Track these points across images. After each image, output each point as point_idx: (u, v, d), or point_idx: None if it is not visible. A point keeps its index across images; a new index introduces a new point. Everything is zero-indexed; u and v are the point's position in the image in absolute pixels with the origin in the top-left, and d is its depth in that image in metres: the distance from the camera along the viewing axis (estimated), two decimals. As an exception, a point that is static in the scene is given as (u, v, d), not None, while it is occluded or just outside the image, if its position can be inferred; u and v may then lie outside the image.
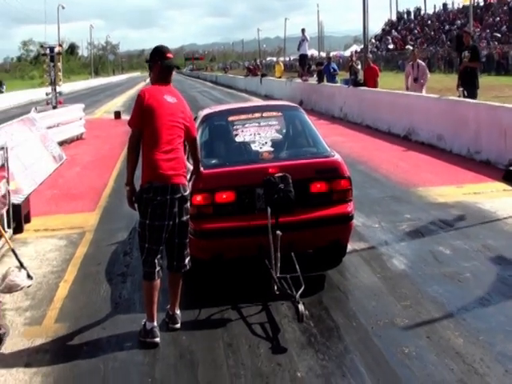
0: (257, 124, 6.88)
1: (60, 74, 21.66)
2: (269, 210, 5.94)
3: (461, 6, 63.54)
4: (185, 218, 5.49)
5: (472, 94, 14.88)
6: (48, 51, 21.19)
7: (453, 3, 70.01)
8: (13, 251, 7.11)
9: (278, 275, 5.74)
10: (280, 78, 37.98)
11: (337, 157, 6.58)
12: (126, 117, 25.85)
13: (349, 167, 6.66)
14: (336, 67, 28.76)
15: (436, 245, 7.56)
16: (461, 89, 15.28)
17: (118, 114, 27.17)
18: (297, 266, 5.97)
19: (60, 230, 9.14)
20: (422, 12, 77.36)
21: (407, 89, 18.42)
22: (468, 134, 13.28)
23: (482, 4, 61.40)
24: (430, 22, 70.32)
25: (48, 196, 11.30)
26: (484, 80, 15.81)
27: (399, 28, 75.86)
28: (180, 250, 5.55)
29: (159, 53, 5.63)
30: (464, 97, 14.99)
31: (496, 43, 48.20)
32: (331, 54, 45.66)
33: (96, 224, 9.45)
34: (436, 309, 5.76)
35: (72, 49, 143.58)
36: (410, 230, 8.25)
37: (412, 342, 5.11)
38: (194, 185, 6.10)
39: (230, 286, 6.52)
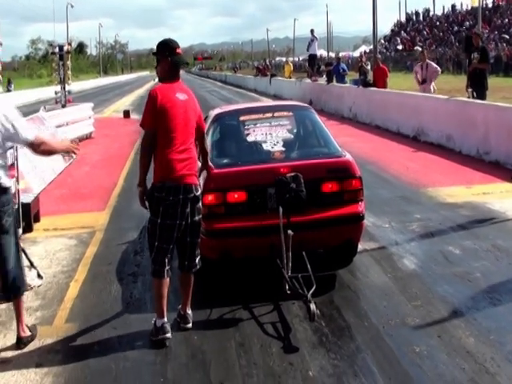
0: (268, 124, 6.88)
1: (69, 72, 21.71)
2: (280, 209, 5.95)
3: (469, 8, 63.50)
4: (197, 218, 5.50)
5: (481, 95, 14.90)
6: (57, 50, 21.20)
7: (461, 4, 70.19)
8: (23, 251, 6.80)
9: (290, 275, 5.77)
10: (289, 78, 37.99)
11: (348, 157, 6.60)
12: (134, 116, 25.99)
13: (359, 167, 6.68)
14: (345, 67, 28.74)
15: (446, 245, 7.57)
16: (470, 90, 15.27)
17: (127, 113, 27.19)
18: (308, 266, 5.98)
19: (70, 229, 9.13)
20: (431, 13, 77.35)
21: (419, 84, 18.38)
22: (477, 135, 13.27)
23: (490, 6, 61.27)
24: (438, 23, 70.24)
25: (57, 195, 11.32)
26: (492, 81, 15.81)
27: (408, 29, 75.80)
28: (192, 249, 5.56)
29: (168, 48, 5.52)
30: (473, 98, 14.98)
31: (504, 45, 48.10)
32: (340, 55, 45.55)
33: (106, 223, 9.46)
34: (447, 308, 5.77)
35: (81, 48, 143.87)
36: (420, 230, 8.26)
37: (423, 342, 5.12)
38: (205, 184, 6.12)
39: (240, 286, 6.53)
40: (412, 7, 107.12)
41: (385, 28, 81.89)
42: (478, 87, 15.01)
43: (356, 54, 78.33)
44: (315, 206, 6.16)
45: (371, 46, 69.38)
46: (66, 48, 21.11)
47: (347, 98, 23.33)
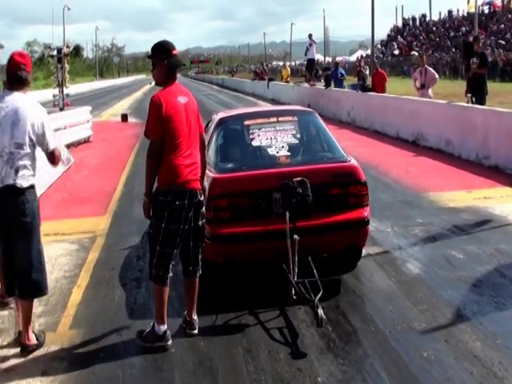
0: (273, 128, 6.88)
1: (67, 75, 21.66)
2: (287, 214, 5.95)
3: (466, 13, 63.69)
4: (200, 223, 5.49)
5: (480, 100, 14.95)
6: (55, 52, 21.12)
7: (458, 10, 70.34)
8: None
9: (296, 280, 5.76)
10: (287, 82, 38.02)
11: (353, 162, 6.60)
12: (132, 119, 25.97)
13: (362, 172, 6.67)
14: (343, 72, 28.78)
15: (449, 249, 7.57)
16: (469, 95, 15.31)
17: (124, 117, 27.15)
18: (314, 271, 5.98)
19: (70, 234, 9.07)
20: (428, 18, 77.51)
21: (418, 90, 18.44)
22: (476, 140, 13.30)
23: (486, 11, 61.42)
24: (435, 28, 70.40)
25: (57, 200, 11.29)
26: (489, 86, 15.83)
27: (405, 34, 75.94)
28: (195, 254, 5.55)
29: (165, 50, 5.42)
30: (472, 103, 15.01)
31: (500, 50, 48.23)
32: (338, 59, 45.60)
33: (107, 228, 9.42)
34: (452, 313, 5.78)
35: (77, 50, 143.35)
36: (423, 234, 8.26)
37: (430, 346, 5.13)
38: (210, 189, 6.10)
39: (246, 291, 6.52)
40: (409, 12, 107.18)
41: (381, 33, 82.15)
42: (478, 92, 15.06)
43: (352, 58, 78.35)
44: (321, 211, 6.15)
45: (368, 51, 69.60)
46: (64, 50, 21.02)
47: (345, 103, 23.35)
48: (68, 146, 16.46)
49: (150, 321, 5.64)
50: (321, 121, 7.47)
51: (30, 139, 5.31)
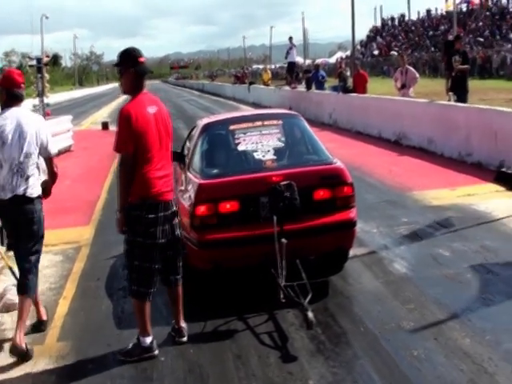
0: (258, 132, 6.87)
1: (48, 85, 21.54)
2: (275, 218, 5.93)
3: (444, 12, 64.08)
4: (177, 233, 5.45)
5: (462, 97, 15.02)
6: (35, 62, 21.00)
7: (436, 9, 70.80)
8: (10, 268, 6.63)
9: (284, 283, 5.74)
10: (268, 85, 38.04)
11: (339, 163, 6.59)
12: (113, 127, 25.82)
13: (348, 174, 6.67)
14: (324, 74, 28.81)
15: (435, 247, 7.61)
16: (450, 93, 15.38)
17: (105, 125, 27.00)
18: (303, 274, 5.97)
19: (54, 245, 8.91)
20: (406, 18, 77.87)
21: (399, 90, 18.53)
22: (459, 137, 13.37)
23: (464, 9, 61.83)
24: (414, 27, 70.80)
25: (41, 210, 11.16)
26: (469, 84, 15.93)
27: (384, 34, 76.29)
28: (174, 262, 5.50)
29: (131, 57, 5.25)
30: (454, 101, 15.08)
31: (479, 47, 48.59)
32: (318, 61, 45.73)
33: (91, 238, 9.36)
34: (440, 310, 5.80)
35: (55, 59, 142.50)
36: (408, 233, 8.30)
37: (420, 345, 5.15)
38: (196, 195, 6.09)
39: (234, 296, 6.51)
40: (387, 12, 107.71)
41: (360, 33, 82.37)
42: (460, 90, 15.13)
43: (332, 60, 78.61)
44: (308, 214, 6.14)
45: (347, 52, 69.89)
46: (43, 60, 20.89)
47: (327, 105, 23.38)
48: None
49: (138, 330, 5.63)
50: (305, 124, 7.46)
51: (35, 148, 5.64)
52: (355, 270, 7.03)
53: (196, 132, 7.42)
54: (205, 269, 6.24)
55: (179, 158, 7.93)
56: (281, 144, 6.80)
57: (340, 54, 78.17)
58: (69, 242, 9.13)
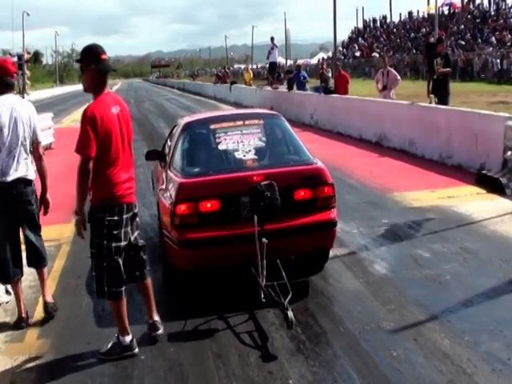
0: (239, 132, 6.87)
1: (28, 82, 21.43)
2: (255, 217, 5.94)
3: (426, 15, 64.35)
4: (136, 233, 5.45)
5: (444, 100, 15.09)
6: (16, 59, 20.90)
7: (418, 11, 70.92)
8: None
9: (265, 283, 5.75)
10: (249, 85, 38.07)
11: (320, 164, 6.61)
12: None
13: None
14: (306, 75, 28.89)
15: (415, 248, 7.65)
16: (432, 95, 15.46)
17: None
18: (283, 273, 5.97)
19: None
20: (388, 20, 78.10)
21: (380, 92, 18.64)
22: (440, 140, 13.45)
23: (446, 12, 62.14)
24: (395, 29, 70.99)
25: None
26: (450, 86, 16.01)
27: (365, 36, 76.49)
28: (137, 258, 5.46)
29: (93, 54, 5.12)
30: (435, 103, 15.17)
31: (460, 50, 48.87)
32: (299, 62, 45.77)
33: (72, 236, 9.26)
34: (420, 311, 5.83)
35: (36, 56, 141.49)
36: (389, 234, 8.34)
37: (400, 345, 5.17)
38: (177, 194, 6.08)
39: (215, 296, 6.50)
40: (369, 14, 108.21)
41: (342, 35, 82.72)
42: (441, 93, 15.20)
43: (314, 61, 78.73)
44: (288, 214, 6.15)
45: (329, 53, 70.02)
46: (24, 57, 20.80)
47: (308, 106, 23.44)
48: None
49: (119, 328, 5.63)
50: (287, 124, 7.47)
51: (30, 132, 6.00)
52: (336, 270, 7.05)
53: (177, 131, 7.40)
54: (185, 268, 6.23)
55: (160, 156, 7.93)
56: (262, 144, 6.81)
57: (322, 55, 78.40)
58: (49, 240, 8.95)
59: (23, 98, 20.85)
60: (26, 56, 21.39)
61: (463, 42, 51.40)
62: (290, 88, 26.82)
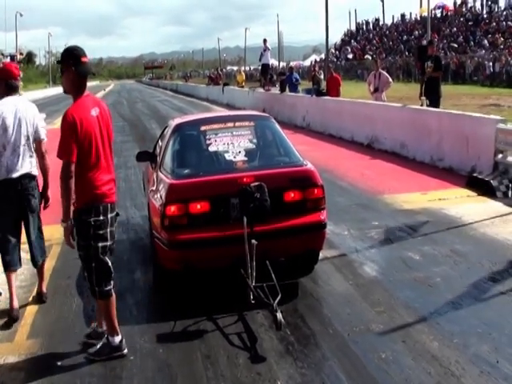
0: (230, 133, 6.88)
1: (21, 83, 21.36)
2: (245, 219, 5.95)
3: (418, 17, 64.49)
4: (114, 228, 5.43)
5: (435, 102, 15.13)
6: (8, 59, 20.87)
7: (410, 14, 71.08)
8: None
9: (254, 284, 5.76)
10: (242, 87, 38.08)
11: (310, 166, 6.62)
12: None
13: (319, 176, 6.69)
14: (298, 77, 28.95)
15: (405, 251, 7.66)
16: (423, 98, 15.50)
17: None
18: (272, 275, 5.98)
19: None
20: (381, 22, 78.24)
21: (372, 94, 18.70)
22: (431, 142, 13.49)
23: (439, 15, 62.30)
24: (388, 32, 71.13)
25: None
26: (442, 89, 16.05)
27: (358, 38, 76.58)
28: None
29: (72, 56, 5.11)
30: (426, 106, 15.20)
31: (453, 53, 49.01)
32: (292, 64, 45.80)
33: (62, 237, 9.26)
34: (409, 314, 5.84)
35: (29, 57, 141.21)
36: (379, 236, 8.34)
37: (388, 347, 5.18)
38: (167, 195, 6.08)
39: (204, 297, 6.50)
40: (362, 16, 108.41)
41: (335, 37, 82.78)
42: (432, 95, 15.24)
43: (306, 63, 78.80)
44: (278, 215, 6.16)
45: (321, 55, 69.99)
46: (17, 57, 20.75)
47: (300, 108, 23.46)
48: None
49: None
50: (277, 126, 7.49)
51: (33, 131, 6.32)
52: (325, 272, 7.06)
53: (168, 132, 7.41)
54: (175, 269, 6.24)
55: (151, 157, 7.94)
56: (252, 145, 6.83)
57: (314, 57, 78.40)
58: (40, 241, 9.01)
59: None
60: (19, 57, 21.34)
61: (456, 45, 51.55)
62: (282, 90, 26.85)
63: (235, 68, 72.23)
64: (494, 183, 10.43)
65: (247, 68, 69.31)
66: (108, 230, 5.22)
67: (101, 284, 5.23)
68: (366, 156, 15.24)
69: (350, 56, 68.80)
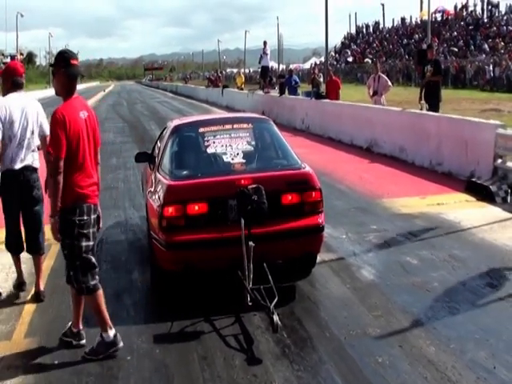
0: (228, 135, 6.88)
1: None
2: (242, 221, 5.94)
3: (419, 21, 64.52)
4: (96, 235, 5.54)
5: (435, 106, 15.14)
6: (9, 59, 20.87)
7: (411, 18, 71.11)
8: None
9: (251, 286, 5.76)
10: (241, 89, 38.08)
11: (308, 169, 6.62)
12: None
13: (317, 179, 6.69)
14: (298, 80, 28.97)
15: (403, 255, 7.65)
16: (422, 102, 15.51)
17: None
18: (269, 277, 5.98)
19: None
20: (381, 26, 78.31)
21: (371, 97, 18.72)
22: (430, 146, 13.49)
23: (439, 19, 62.37)
24: (388, 35, 71.20)
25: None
26: (442, 93, 16.05)
27: (358, 41, 76.67)
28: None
29: (63, 58, 5.25)
30: (426, 110, 15.21)
31: (453, 57, 49.06)
32: (292, 67, 45.84)
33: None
34: (406, 318, 5.83)
35: (30, 57, 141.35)
36: (377, 240, 8.33)
37: (385, 352, 5.17)
38: (165, 197, 6.08)
39: (201, 298, 6.49)
40: (362, 20, 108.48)
41: (335, 40, 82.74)
42: (432, 99, 15.25)
43: (306, 66, 78.87)
44: (276, 218, 6.16)
45: (321, 58, 70.05)
46: (18, 57, 20.76)
47: (300, 110, 23.47)
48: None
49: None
50: (275, 128, 7.49)
51: (37, 126, 6.63)
52: (323, 275, 7.05)
53: (166, 133, 7.42)
54: (172, 270, 6.23)
55: (149, 158, 7.95)
56: (250, 148, 6.83)
57: (314, 60, 78.42)
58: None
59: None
60: (20, 57, 21.35)
61: (456, 49, 51.61)
62: (281, 92, 26.88)
63: (235, 70, 72.22)
64: (493, 188, 10.42)
65: (247, 70, 69.29)
66: (91, 230, 5.31)
67: (87, 280, 5.30)
68: (365, 159, 15.23)
69: (350, 59, 68.85)
